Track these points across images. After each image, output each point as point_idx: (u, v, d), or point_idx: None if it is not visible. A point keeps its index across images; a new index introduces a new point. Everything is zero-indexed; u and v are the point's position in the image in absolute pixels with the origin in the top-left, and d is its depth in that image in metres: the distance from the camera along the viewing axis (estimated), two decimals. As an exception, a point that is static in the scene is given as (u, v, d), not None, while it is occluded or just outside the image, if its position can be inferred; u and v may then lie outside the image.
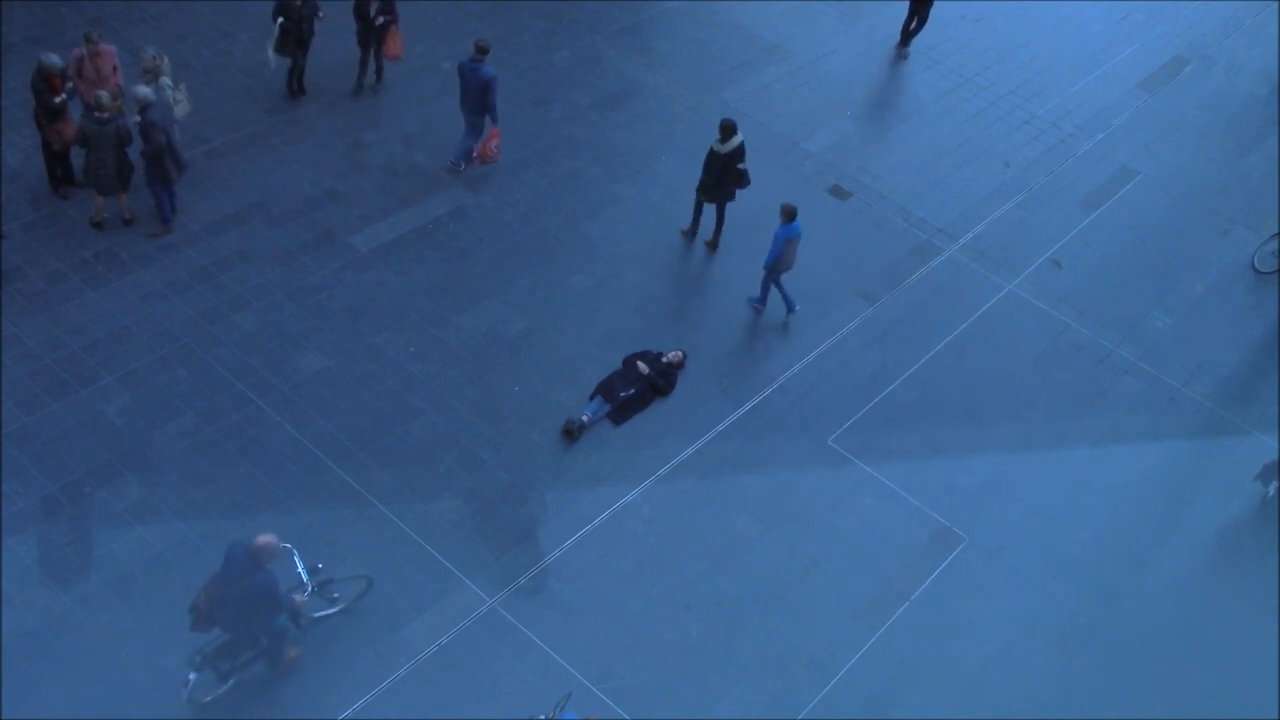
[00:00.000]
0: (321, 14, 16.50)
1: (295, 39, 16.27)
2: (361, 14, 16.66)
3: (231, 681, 10.87)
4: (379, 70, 17.50)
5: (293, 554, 10.80)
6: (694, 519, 12.94)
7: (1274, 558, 13.53)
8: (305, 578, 10.74)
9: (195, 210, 15.26)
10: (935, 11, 20.29)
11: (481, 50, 15.40)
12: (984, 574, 12.89)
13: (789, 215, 14.37)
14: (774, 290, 15.38)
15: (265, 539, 10.05)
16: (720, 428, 13.89)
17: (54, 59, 14.11)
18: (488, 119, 16.02)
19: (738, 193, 15.70)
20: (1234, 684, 12.34)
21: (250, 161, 16.09)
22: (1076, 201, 17.81)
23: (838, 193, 17.27)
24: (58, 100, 14.18)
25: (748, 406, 14.17)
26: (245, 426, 13.00)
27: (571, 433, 13.42)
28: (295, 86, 17.06)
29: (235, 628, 10.44)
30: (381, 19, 16.63)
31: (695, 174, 16.99)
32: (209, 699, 10.91)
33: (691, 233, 16.15)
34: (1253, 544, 13.68)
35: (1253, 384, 15.51)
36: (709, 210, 16.11)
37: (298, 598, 10.58)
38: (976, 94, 19.58)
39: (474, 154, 16.28)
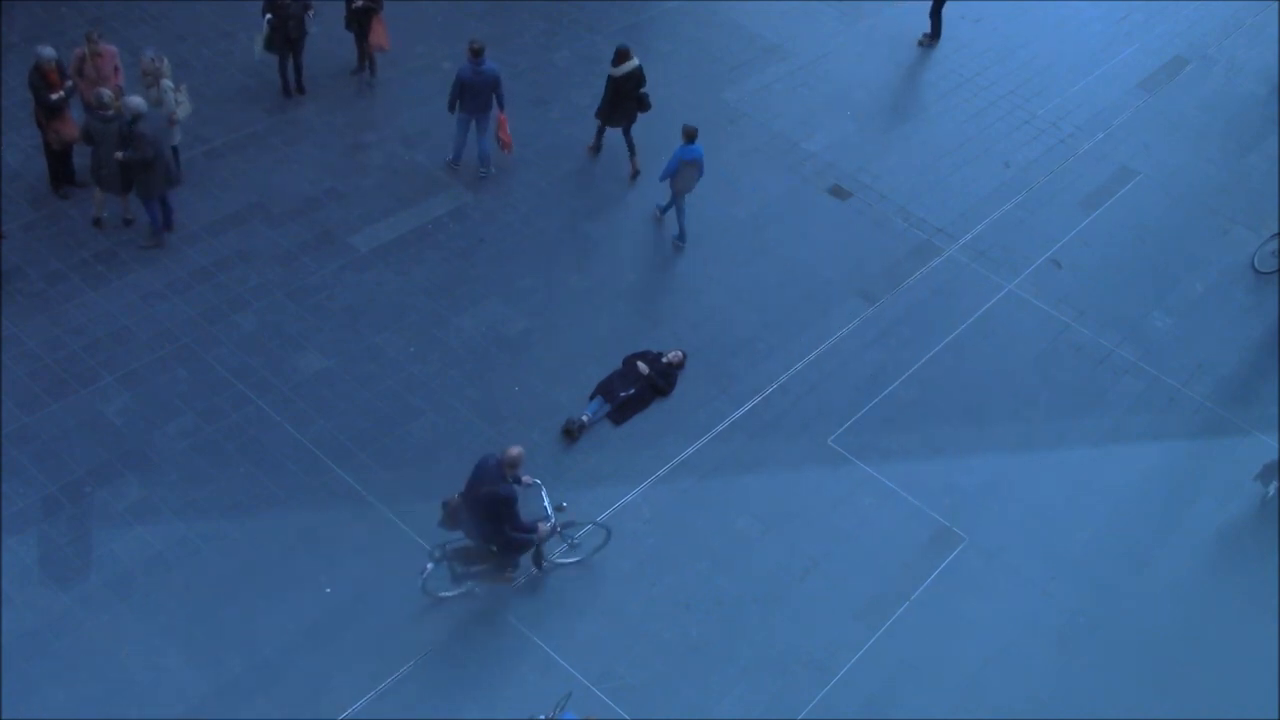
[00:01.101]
0: (313, 10, 16.49)
1: (283, 36, 16.28)
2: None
3: (465, 588, 11.73)
4: (371, 64, 17.52)
5: (541, 488, 11.60)
6: (694, 519, 12.93)
7: (1274, 558, 13.53)
8: (549, 510, 11.43)
9: (195, 210, 15.26)
10: (935, 11, 20.38)
11: (477, 52, 15.38)
12: (984, 574, 12.89)
13: (689, 136, 15.05)
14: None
15: (515, 450, 10.82)
16: (720, 428, 13.89)
17: (49, 51, 14.09)
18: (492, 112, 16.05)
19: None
20: (1234, 684, 12.34)
21: (250, 161, 16.09)
22: (1076, 201, 17.81)
23: (838, 193, 17.28)
24: (55, 97, 14.17)
25: (748, 406, 14.17)
26: (245, 426, 13.00)
27: (571, 433, 13.42)
28: (294, 86, 17.06)
29: (475, 533, 11.09)
30: (360, 2, 16.66)
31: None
32: (442, 595, 11.74)
33: (595, 148, 17.08)
34: (1253, 544, 13.68)
35: (1253, 384, 15.50)
36: (632, 138, 16.77)
37: (542, 525, 11.26)
38: (976, 94, 19.58)
39: (490, 157, 16.30)
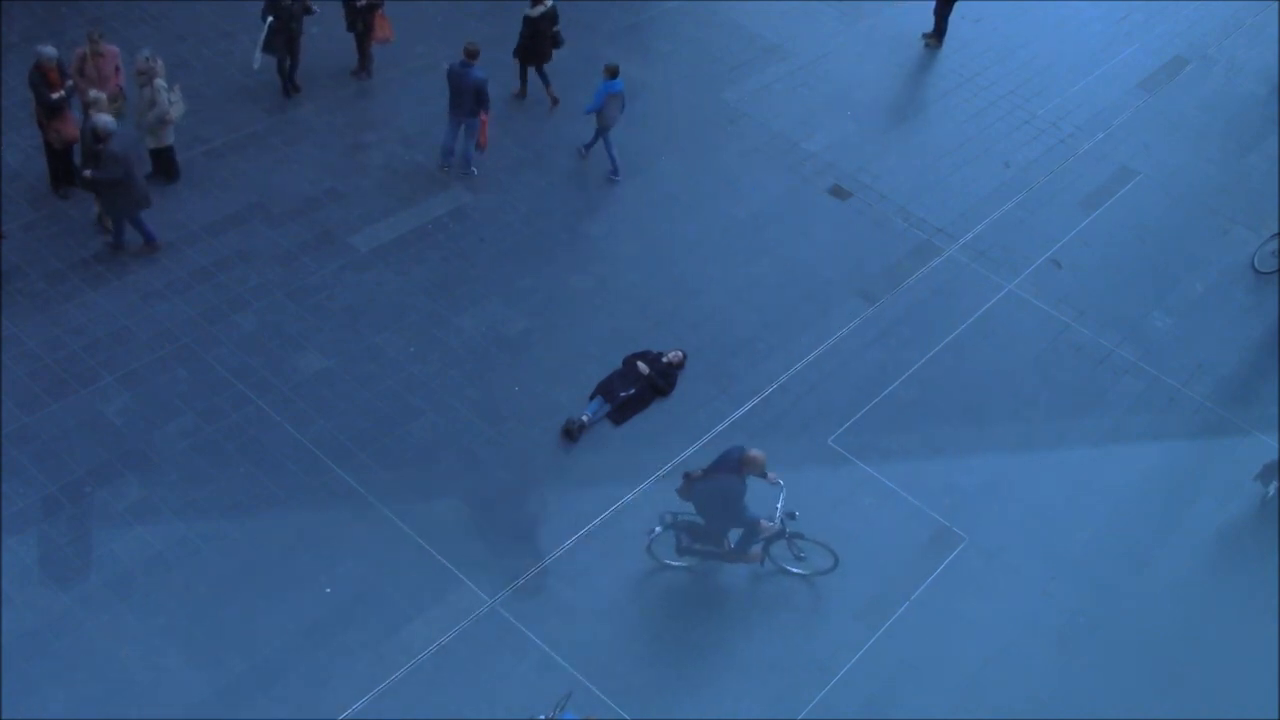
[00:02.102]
0: (314, 10, 16.51)
1: (284, 37, 16.29)
2: None
3: (686, 562, 12.30)
4: (368, 60, 17.51)
5: (780, 491, 11.93)
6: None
7: (1274, 558, 13.53)
8: (777, 513, 11.79)
9: (195, 210, 15.26)
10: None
11: (471, 54, 15.43)
12: (984, 574, 12.89)
13: (611, 73, 16.01)
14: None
15: (756, 453, 11.25)
16: (720, 428, 13.89)
17: (49, 50, 14.09)
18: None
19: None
20: (1234, 684, 12.34)
21: (250, 161, 16.09)
22: (1076, 201, 17.81)
23: (838, 193, 17.28)
24: (55, 97, 14.17)
25: (748, 406, 14.17)
26: (245, 426, 13.00)
27: (571, 433, 13.42)
28: (288, 85, 17.04)
29: (702, 512, 11.63)
30: (364, 1, 16.70)
31: (696, 173, 17.11)
32: (666, 562, 12.31)
33: (521, 94, 17.89)
34: (1253, 544, 13.68)
35: (1253, 384, 15.50)
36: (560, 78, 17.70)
37: (764, 523, 11.67)
38: (976, 94, 19.58)
39: (471, 158, 16.31)
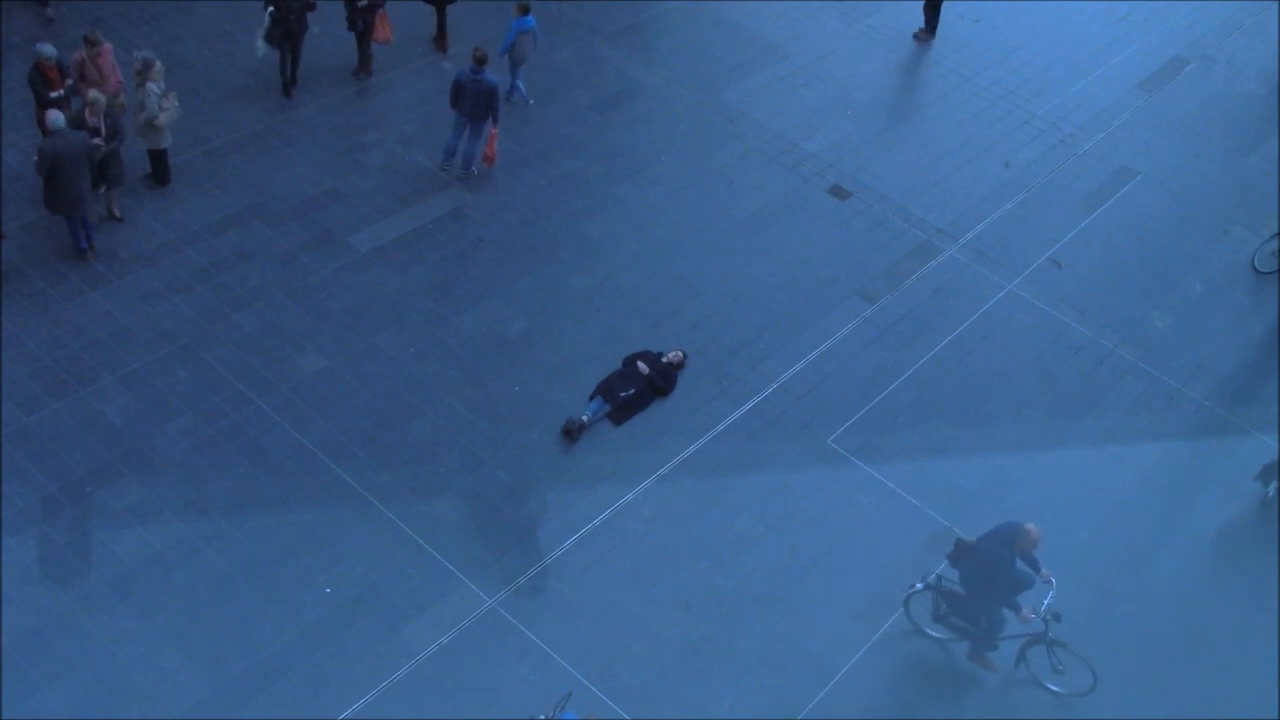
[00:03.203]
0: (313, 3, 16.51)
1: (283, 30, 16.28)
2: None
3: (940, 634, 12.00)
4: (368, 60, 17.52)
5: (1050, 590, 11.42)
6: (694, 519, 12.93)
7: (1274, 558, 13.52)
8: (1040, 609, 11.30)
9: (195, 210, 15.27)
10: (935, 11, 20.39)
11: (480, 60, 15.44)
12: (984, 574, 12.88)
13: (523, 10, 16.78)
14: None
15: (1031, 527, 10.97)
16: (720, 428, 13.89)
17: (49, 49, 14.10)
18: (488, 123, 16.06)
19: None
20: (1234, 684, 12.34)
21: (250, 161, 16.09)
22: (1076, 201, 17.81)
23: (838, 193, 17.28)
24: (55, 96, 14.17)
25: (748, 406, 14.17)
26: (245, 426, 13.00)
27: (571, 433, 13.42)
28: (287, 79, 17.01)
29: (964, 583, 11.39)
30: (365, 0, 16.71)
31: (696, 173, 17.08)
32: (918, 626, 12.06)
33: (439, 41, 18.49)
34: (1253, 544, 13.67)
35: (1253, 384, 15.50)
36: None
37: (1025, 611, 11.14)
38: (976, 94, 19.58)
39: (473, 160, 16.31)
